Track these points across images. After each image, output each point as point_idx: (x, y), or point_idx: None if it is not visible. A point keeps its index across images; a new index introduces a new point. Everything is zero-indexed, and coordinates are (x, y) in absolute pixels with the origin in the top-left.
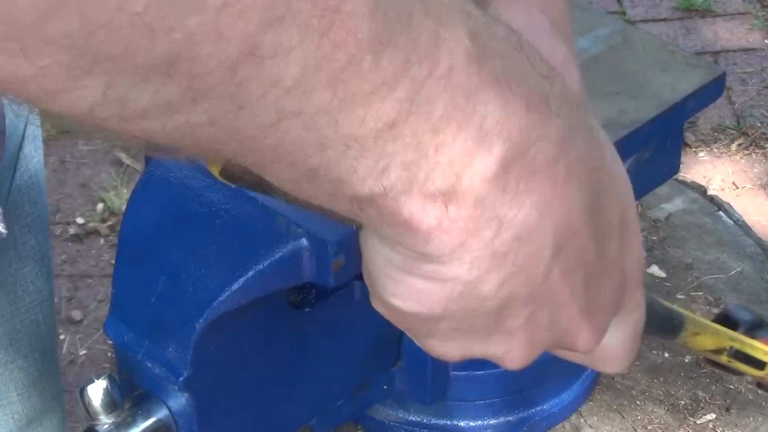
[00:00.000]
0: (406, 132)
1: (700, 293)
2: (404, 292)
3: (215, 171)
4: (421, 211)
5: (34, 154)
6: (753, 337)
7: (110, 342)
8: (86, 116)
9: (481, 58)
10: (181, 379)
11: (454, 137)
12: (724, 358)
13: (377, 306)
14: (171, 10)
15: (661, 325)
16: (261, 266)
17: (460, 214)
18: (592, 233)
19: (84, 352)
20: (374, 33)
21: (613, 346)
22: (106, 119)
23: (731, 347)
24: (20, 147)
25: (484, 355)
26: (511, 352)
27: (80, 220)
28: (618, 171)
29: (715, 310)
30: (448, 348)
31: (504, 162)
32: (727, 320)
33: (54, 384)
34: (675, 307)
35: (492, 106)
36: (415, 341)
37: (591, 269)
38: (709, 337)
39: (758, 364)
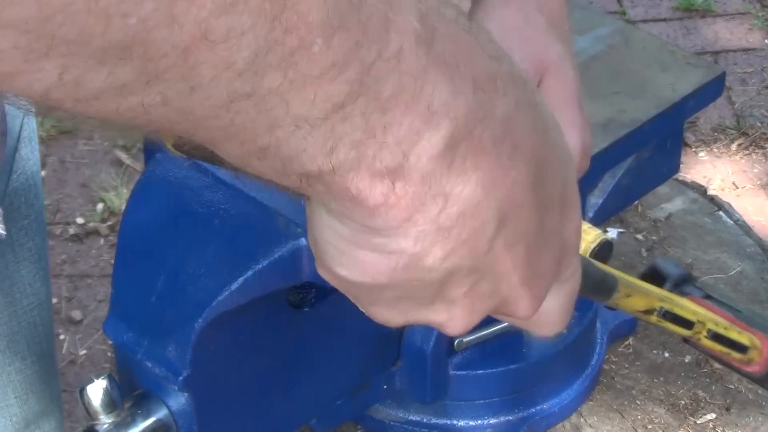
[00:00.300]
0: (355, 112)
1: None
2: (350, 263)
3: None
4: (368, 188)
5: (30, 156)
6: (682, 294)
7: (110, 342)
8: (42, 97)
9: (429, 40)
10: (181, 378)
11: (402, 117)
12: (654, 318)
13: (322, 273)
14: None
15: (595, 287)
16: (260, 266)
17: (407, 190)
18: (534, 206)
19: (84, 352)
20: (325, 17)
21: (549, 312)
22: (61, 100)
23: (661, 308)
24: (16, 149)
25: (426, 321)
26: (453, 319)
27: (80, 220)
28: (561, 144)
29: None
30: (391, 315)
31: (451, 140)
32: (655, 274)
33: (52, 386)
34: (608, 268)
35: (440, 86)
36: (358, 306)
37: (533, 240)
38: (640, 298)
39: (686, 324)
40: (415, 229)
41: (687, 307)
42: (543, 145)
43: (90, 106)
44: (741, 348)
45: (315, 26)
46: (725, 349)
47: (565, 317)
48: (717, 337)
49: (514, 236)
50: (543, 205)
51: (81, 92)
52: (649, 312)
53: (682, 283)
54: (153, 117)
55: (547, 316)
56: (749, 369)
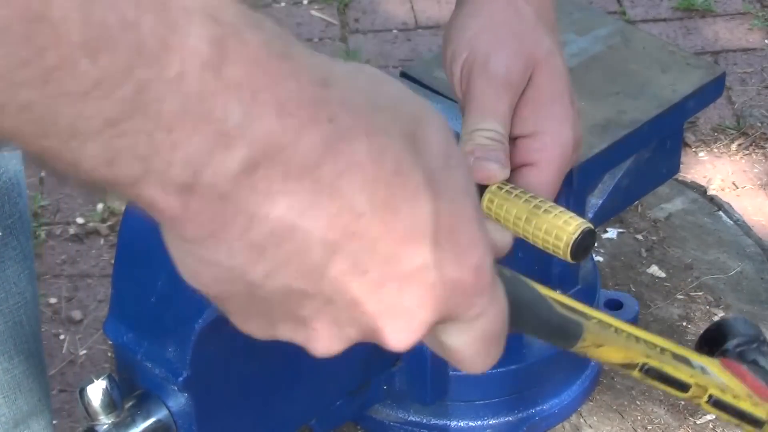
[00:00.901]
0: (133, 129)
1: (700, 293)
2: (184, 270)
3: None
4: (162, 200)
5: (12, 154)
6: (722, 354)
7: (110, 342)
8: None
9: (218, 65)
10: (181, 379)
11: (190, 136)
12: (636, 374)
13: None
14: None
15: (550, 332)
16: None
17: (203, 206)
18: (377, 237)
19: (84, 352)
20: (89, 38)
21: (458, 351)
22: None
23: (644, 364)
24: None
25: (288, 338)
26: (312, 340)
27: (80, 220)
28: (444, 177)
29: (715, 310)
30: (251, 327)
31: (248, 163)
32: (719, 333)
33: (40, 385)
34: (579, 312)
35: (232, 110)
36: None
37: (386, 273)
38: (615, 350)
39: (680, 386)
40: (224, 244)
41: (680, 367)
42: (391, 173)
43: None
44: (754, 421)
45: (78, 46)
46: (734, 420)
47: (482, 357)
48: (719, 405)
49: (356, 265)
50: (396, 237)
51: None
52: (629, 366)
53: (744, 345)
54: None
55: (458, 354)
56: None
